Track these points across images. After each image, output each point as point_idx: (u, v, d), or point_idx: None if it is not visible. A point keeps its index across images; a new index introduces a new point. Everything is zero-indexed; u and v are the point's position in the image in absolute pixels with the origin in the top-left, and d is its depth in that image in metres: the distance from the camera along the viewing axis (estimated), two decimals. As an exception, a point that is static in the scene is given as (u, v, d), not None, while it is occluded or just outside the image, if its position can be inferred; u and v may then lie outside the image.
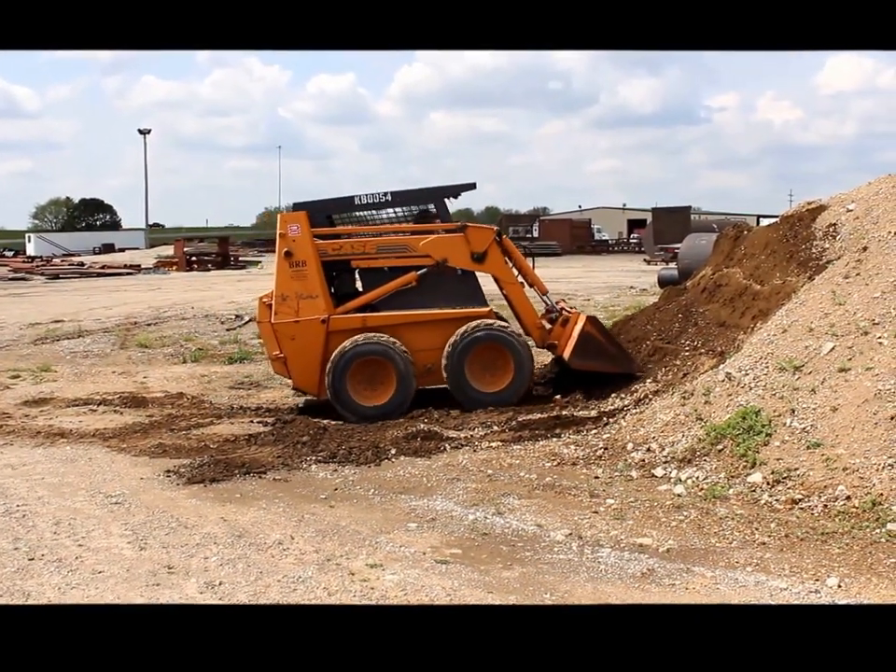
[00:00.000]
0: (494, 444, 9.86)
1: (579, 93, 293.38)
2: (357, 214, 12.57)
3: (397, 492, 8.38)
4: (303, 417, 11.54)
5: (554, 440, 9.90)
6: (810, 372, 8.68)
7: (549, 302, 12.68)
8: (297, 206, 12.33)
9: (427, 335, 11.86)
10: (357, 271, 12.39)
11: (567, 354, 11.91)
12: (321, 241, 12.04)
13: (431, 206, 12.54)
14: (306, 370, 11.87)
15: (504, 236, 12.57)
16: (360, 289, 12.50)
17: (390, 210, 12.54)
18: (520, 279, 12.56)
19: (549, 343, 12.36)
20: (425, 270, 12.08)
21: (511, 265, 12.55)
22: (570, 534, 7.08)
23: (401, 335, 11.78)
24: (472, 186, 12.69)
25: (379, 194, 12.31)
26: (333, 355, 11.58)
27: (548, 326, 12.33)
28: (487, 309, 12.19)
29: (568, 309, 12.69)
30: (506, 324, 12.12)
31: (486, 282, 12.58)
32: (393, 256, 12.14)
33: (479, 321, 11.80)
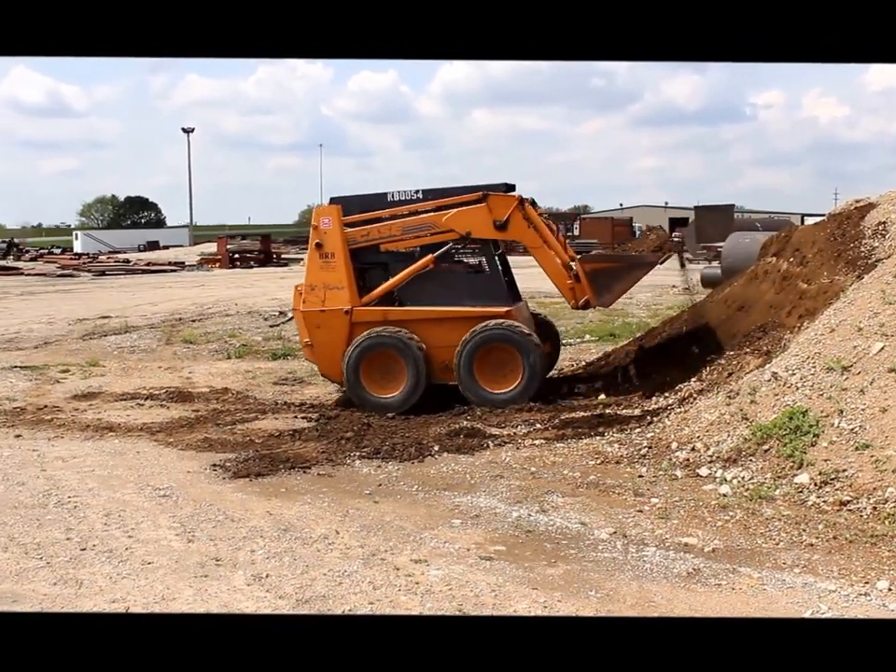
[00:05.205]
0: (537, 442, 9.85)
1: (622, 91, 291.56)
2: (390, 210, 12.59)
3: (440, 488, 8.41)
4: (347, 413, 11.61)
5: (598, 438, 9.88)
6: (859, 373, 8.57)
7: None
8: (333, 200, 12.61)
9: (445, 332, 11.90)
10: (388, 265, 12.41)
11: (593, 301, 11.99)
12: (350, 229, 12.23)
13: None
14: (331, 357, 12.13)
15: (527, 203, 12.32)
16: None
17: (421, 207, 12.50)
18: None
19: (582, 302, 12.17)
20: (442, 251, 12.12)
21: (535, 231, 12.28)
22: (615, 532, 7.07)
23: (421, 330, 11.90)
24: (504, 186, 12.50)
25: (411, 191, 12.47)
26: (348, 347, 11.85)
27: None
28: (506, 308, 11.99)
29: (573, 262, 12.37)
30: (518, 324, 11.85)
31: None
32: (419, 234, 12.22)
33: (491, 321, 11.71)
